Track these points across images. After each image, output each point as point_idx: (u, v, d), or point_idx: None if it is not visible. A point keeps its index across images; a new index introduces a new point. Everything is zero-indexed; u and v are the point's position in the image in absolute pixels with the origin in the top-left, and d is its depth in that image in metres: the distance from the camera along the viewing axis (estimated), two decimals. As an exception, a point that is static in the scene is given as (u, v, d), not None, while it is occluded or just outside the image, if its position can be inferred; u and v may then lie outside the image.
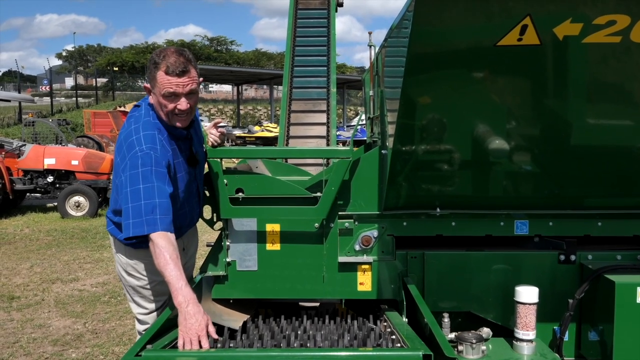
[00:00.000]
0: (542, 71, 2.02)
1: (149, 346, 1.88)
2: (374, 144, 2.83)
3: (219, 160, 2.53)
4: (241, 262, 2.59)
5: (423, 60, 1.98)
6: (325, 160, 2.77)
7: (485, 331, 2.36)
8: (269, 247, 2.58)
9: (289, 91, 5.92)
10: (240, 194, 2.55)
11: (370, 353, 1.94)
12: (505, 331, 2.45)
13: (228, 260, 2.59)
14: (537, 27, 1.81)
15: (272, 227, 2.56)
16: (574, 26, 1.81)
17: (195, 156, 2.42)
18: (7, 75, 56.97)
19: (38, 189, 11.60)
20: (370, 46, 2.97)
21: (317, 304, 2.98)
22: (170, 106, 2.23)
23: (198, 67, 2.36)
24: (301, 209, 2.53)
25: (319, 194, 2.53)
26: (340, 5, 7.46)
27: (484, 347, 2.23)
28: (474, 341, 2.20)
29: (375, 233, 2.60)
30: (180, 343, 2.00)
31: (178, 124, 2.28)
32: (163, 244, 2.10)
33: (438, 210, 2.55)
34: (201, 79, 2.36)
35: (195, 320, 2.02)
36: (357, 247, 2.60)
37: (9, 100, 13.12)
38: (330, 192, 2.48)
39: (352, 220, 2.59)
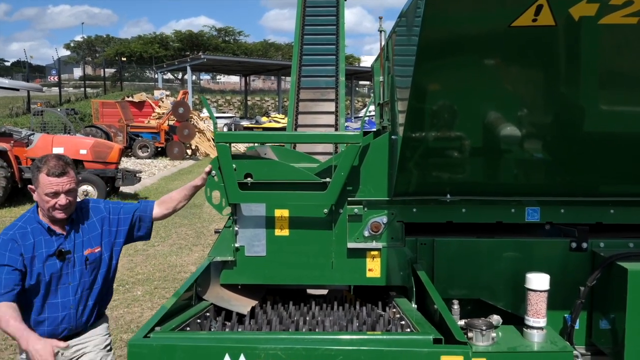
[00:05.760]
0: (556, 54, 1.99)
1: (157, 328, 1.87)
2: (383, 130, 2.80)
3: (227, 144, 2.51)
4: (249, 247, 2.57)
5: (435, 45, 1.95)
6: (334, 149, 2.75)
7: (495, 318, 2.33)
8: (277, 232, 2.56)
9: (298, 80, 5.88)
10: (249, 179, 2.53)
11: (381, 337, 1.92)
12: (515, 319, 2.43)
13: (236, 245, 2.57)
14: (553, 7, 1.78)
15: (281, 213, 2.54)
16: (590, 6, 1.77)
17: (63, 253, 2.59)
18: (17, 65, 57.18)
19: (47, 177, 11.63)
20: (380, 32, 2.94)
21: (325, 292, 2.97)
22: (52, 202, 2.53)
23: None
24: (310, 194, 2.51)
25: (328, 179, 2.51)
26: (350, -7, 7.39)
27: (494, 334, 2.21)
28: (484, 328, 2.18)
29: (384, 219, 2.58)
30: None
31: (58, 216, 2.56)
32: (3, 309, 2.37)
33: (448, 196, 2.53)
34: (80, 177, 2.56)
35: (41, 350, 2.20)
36: (366, 233, 2.58)
37: (17, 89, 13.15)
38: (340, 178, 2.46)
39: (362, 206, 2.57)
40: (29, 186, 2.67)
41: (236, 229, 2.57)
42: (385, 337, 1.91)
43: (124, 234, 2.75)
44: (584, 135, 2.26)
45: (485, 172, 2.48)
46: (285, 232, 2.56)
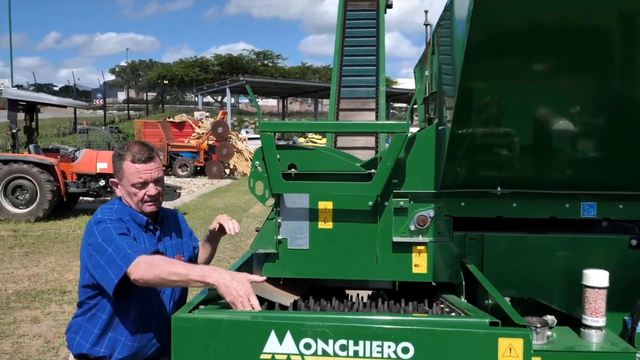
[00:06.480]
0: (614, 34, 1.88)
1: (201, 306, 1.84)
2: (429, 122, 2.74)
3: (272, 134, 2.49)
4: (292, 240, 2.53)
5: (486, 34, 1.87)
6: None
7: (550, 318, 2.21)
8: (321, 225, 2.51)
9: (338, 89, 5.87)
10: (293, 169, 2.50)
11: (435, 318, 1.83)
12: (571, 321, 2.29)
13: (279, 238, 2.53)
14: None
15: (325, 205, 2.49)
16: None
17: (160, 254, 2.29)
18: (64, 90, 59.53)
19: (90, 192, 11.96)
20: (426, 25, 2.91)
21: (364, 296, 2.88)
22: (140, 194, 2.26)
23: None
24: (355, 184, 2.45)
25: (373, 170, 2.45)
26: (390, 7, 7.41)
27: (549, 333, 2.09)
28: (538, 325, 2.07)
29: (431, 213, 2.50)
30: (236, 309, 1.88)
31: (148, 209, 2.30)
32: (147, 259, 2.03)
33: (499, 189, 2.43)
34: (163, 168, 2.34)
35: (236, 282, 1.89)
36: (412, 227, 2.50)
37: (65, 106, 13.70)
38: (385, 168, 2.39)
39: (408, 199, 2.49)
40: (111, 180, 2.38)
41: (279, 220, 2.53)
42: (439, 318, 1.81)
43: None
44: None
45: (538, 165, 2.37)
46: (329, 225, 2.50)
